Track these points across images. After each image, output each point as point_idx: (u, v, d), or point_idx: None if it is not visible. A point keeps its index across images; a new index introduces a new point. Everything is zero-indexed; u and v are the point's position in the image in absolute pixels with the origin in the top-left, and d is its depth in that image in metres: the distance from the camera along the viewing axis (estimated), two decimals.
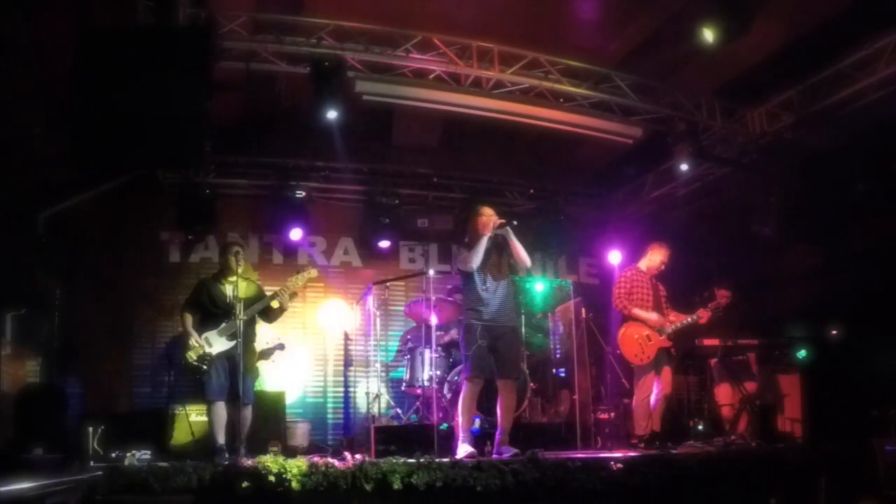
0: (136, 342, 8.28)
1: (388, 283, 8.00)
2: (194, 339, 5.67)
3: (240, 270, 5.77)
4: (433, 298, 7.02)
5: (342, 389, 8.70)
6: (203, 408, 6.47)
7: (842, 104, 6.92)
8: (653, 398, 6.35)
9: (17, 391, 6.66)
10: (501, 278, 5.41)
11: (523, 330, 7.78)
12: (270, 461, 4.20)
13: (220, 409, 5.56)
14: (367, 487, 4.20)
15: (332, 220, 9.18)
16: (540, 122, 7.39)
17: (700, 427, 7.12)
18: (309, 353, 8.86)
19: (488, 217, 5.46)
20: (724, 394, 7.02)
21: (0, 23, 5.21)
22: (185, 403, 6.78)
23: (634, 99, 7.44)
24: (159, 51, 5.18)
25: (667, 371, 6.39)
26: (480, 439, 5.69)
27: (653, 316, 6.39)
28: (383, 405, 7.75)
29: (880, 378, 6.53)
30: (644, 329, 6.36)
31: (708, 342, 6.59)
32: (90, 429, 6.20)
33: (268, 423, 6.68)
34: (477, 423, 6.33)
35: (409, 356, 7.42)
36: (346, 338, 8.78)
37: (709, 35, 5.80)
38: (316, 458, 4.38)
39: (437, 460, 4.53)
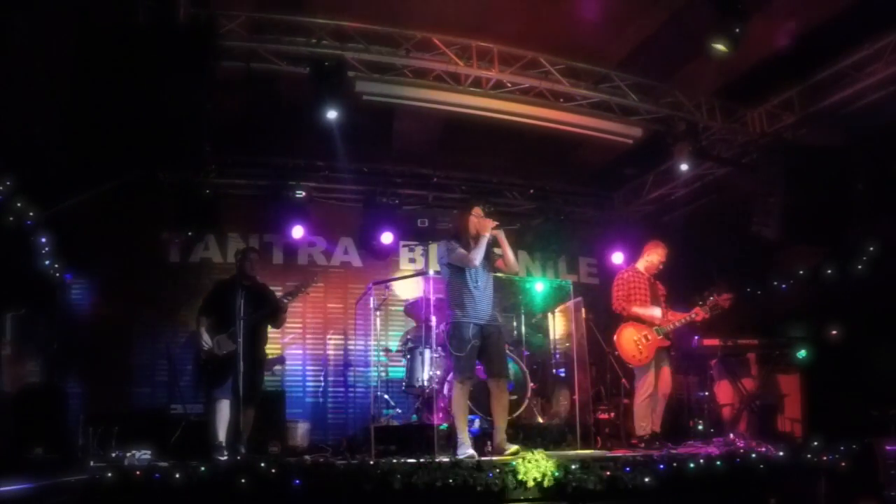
0: (136, 342, 8.28)
1: (388, 283, 7.99)
2: (205, 342, 5.88)
3: (253, 275, 5.95)
4: (433, 298, 7.02)
5: (342, 389, 8.70)
6: (204, 406, 6.49)
7: (842, 104, 6.92)
8: (652, 398, 6.34)
9: (17, 391, 6.66)
10: (488, 278, 5.44)
11: (523, 330, 7.79)
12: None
13: (224, 406, 5.65)
14: (367, 487, 4.20)
15: (332, 220, 9.18)
16: (540, 122, 7.40)
17: (700, 427, 7.12)
18: (309, 353, 8.86)
19: (479, 217, 5.44)
20: (724, 394, 7.02)
21: (1, 22, 5.20)
22: (185, 403, 6.79)
23: (634, 99, 7.44)
24: (159, 51, 5.18)
25: (666, 371, 6.39)
26: (480, 439, 5.69)
27: (655, 311, 6.35)
28: (383, 405, 7.75)
29: (880, 378, 6.53)
30: (642, 329, 6.35)
31: (708, 342, 6.60)
32: (90, 429, 6.21)
33: (268, 423, 6.68)
34: (476, 423, 6.33)
35: (409, 356, 7.42)
36: (346, 338, 8.79)
37: (721, 47, 5.81)
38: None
39: (437, 460, 4.54)
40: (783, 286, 8.56)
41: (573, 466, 4.51)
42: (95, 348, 8.02)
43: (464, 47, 6.92)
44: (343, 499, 4.22)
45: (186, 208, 8.07)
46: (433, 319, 7.10)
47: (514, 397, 6.60)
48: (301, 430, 7.57)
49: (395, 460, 4.57)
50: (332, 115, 6.51)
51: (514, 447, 5.03)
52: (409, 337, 7.86)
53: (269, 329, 6.38)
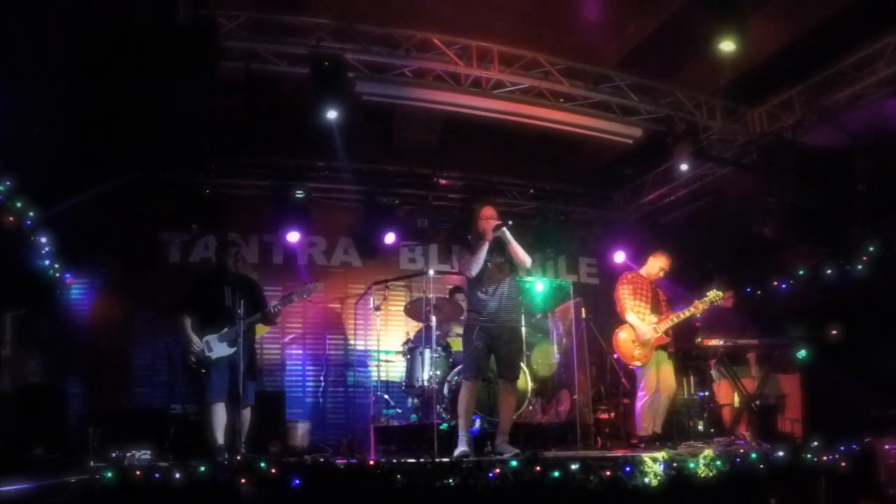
0: (136, 342, 8.28)
1: (388, 283, 7.99)
2: (194, 344, 5.59)
3: (237, 270, 5.75)
4: (433, 298, 7.03)
5: (342, 389, 8.70)
6: (202, 408, 6.47)
7: (842, 104, 6.93)
8: (654, 398, 6.34)
9: (17, 391, 6.66)
10: (502, 279, 5.39)
11: (523, 330, 7.78)
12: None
13: (220, 409, 5.52)
14: (367, 487, 4.20)
15: (332, 220, 9.19)
16: (540, 122, 7.40)
17: (700, 427, 7.12)
18: (309, 353, 8.86)
19: (489, 219, 5.43)
20: (724, 394, 7.02)
21: (1, 23, 5.20)
22: (185, 403, 6.78)
23: (634, 99, 7.45)
24: (160, 51, 5.18)
25: (667, 370, 6.38)
26: (480, 439, 5.69)
27: (644, 328, 6.34)
28: (383, 405, 7.75)
29: (880, 378, 6.53)
30: (635, 331, 6.36)
31: (708, 342, 6.58)
32: (90, 429, 6.20)
33: (268, 423, 6.67)
34: (477, 423, 6.33)
35: (409, 356, 7.42)
36: (346, 338, 8.79)
37: (727, 45, 5.81)
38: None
39: (437, 460, 4.54)
40: (783, 286, 8.56)
41: (573, 466, 4.51)
42: (95, 348, 8.03)
43: (464, 47, 6.92)
44: (343, 499, 4.21)
45: (186, 208, 8.08)
46: (433, 319, 7.11)
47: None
48: (301, 430, 7.57)
49: (395, 460, 4.56)
50: (332, 115, 6.51)
51: (514, 450, 5.02)
52: (409, 337, 7.87)
53: (269, 329, 6.34)
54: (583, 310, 7.56)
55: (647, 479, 4.40)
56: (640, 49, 7.07)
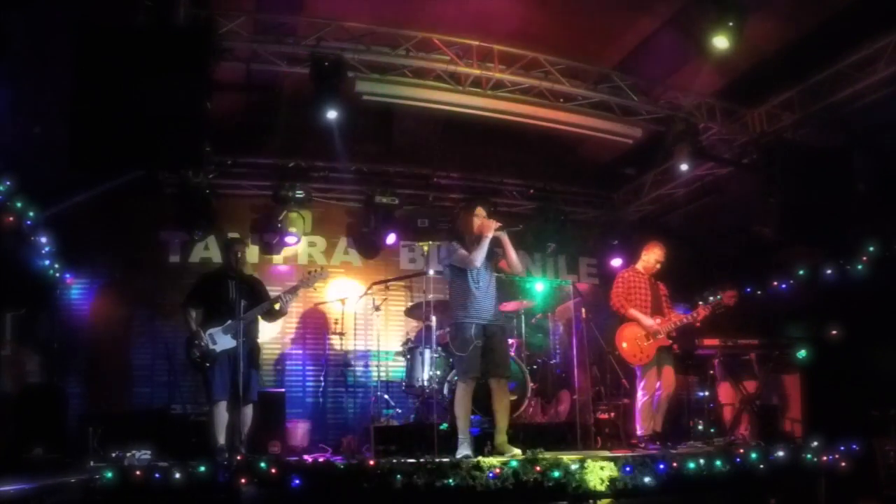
0: (136, 342, 8.28)
1: (388, 283, 7.99)
2: (199, 336, 5.66)
3: (241, 268, 5.80)
4: (433, 298, 7.02)
5: (342, 389, 8.70)
6: (203, 407, 6.47)
7: (842, 104, 6.92)
8: (655, 398, 6.34)
9: (18, 391, 6.66)
10: (490, 278, 5.42)
11: (523, 330, 7.79)
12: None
13: (223, 408, 5.56)
14: (367, 487, 4.20)
15: (332, 220, 9.18)
16: (540, 122, 7.40)
17: (700, 427, 7.12)
18: (309, 353, 8.86)
19: (482, 217, 5.42)
20: (726, 394, 7.02)
21: (1, 22, 5.20)
22: (185, 403, 6.78)
23: (634, 99, 7.44)
24: (159, 51, 5.18)
25: (668, 370, 6.38)
26: (480, 440, 5.69)
27: (648, 320, 6.35)
28: (383, 405, 7.75)
29: (880, 378, 6.53)
30: (642, 329, 6.35)
31: (708, 342, 6.59)
32: (90, 429, 6.20)
33: (268, 423, 6.67)
34: (476, 423, 6.32)
35: (408, 356, 7.42)
36: (346, 338, 8.78)
37: (721, 41, 5.80)
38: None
39: (437, 460, 4.54)
40: (783, 286, 8.56)
41: (573, 466, 4.51)
42: (95, 348, 8.03)
43: (464, 47, 6.92)
44: (343, 499, 4.22)
45: (186, 208, 8.07)
46: (433, 319, 7.10)
47: (514, 397, 6.60)
48: (301, 430, 7.57)
49: (395, 460, 4.56)
50: (332, 115, 6.51)
51: (515, 450, 5.02)
52: (409, 337, 7.87)
53: (269, 329, 6.35)
54: (583, 310, 7.54)
55: (528, 483, 4.36)
56: (641, 49, 7.07)
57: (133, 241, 8.35)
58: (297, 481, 4.17)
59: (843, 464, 5.26)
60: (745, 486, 4.94)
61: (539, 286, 8.35)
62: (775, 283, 8.62)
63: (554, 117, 7.38)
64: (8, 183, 6.03)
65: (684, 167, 7.82)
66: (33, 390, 6.97)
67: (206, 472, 4.16)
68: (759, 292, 8.30)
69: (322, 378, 8.72)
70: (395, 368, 8.20)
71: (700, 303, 6.36)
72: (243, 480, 4.12)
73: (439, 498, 4.28)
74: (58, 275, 7.60)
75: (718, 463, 4.90)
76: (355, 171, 8.83)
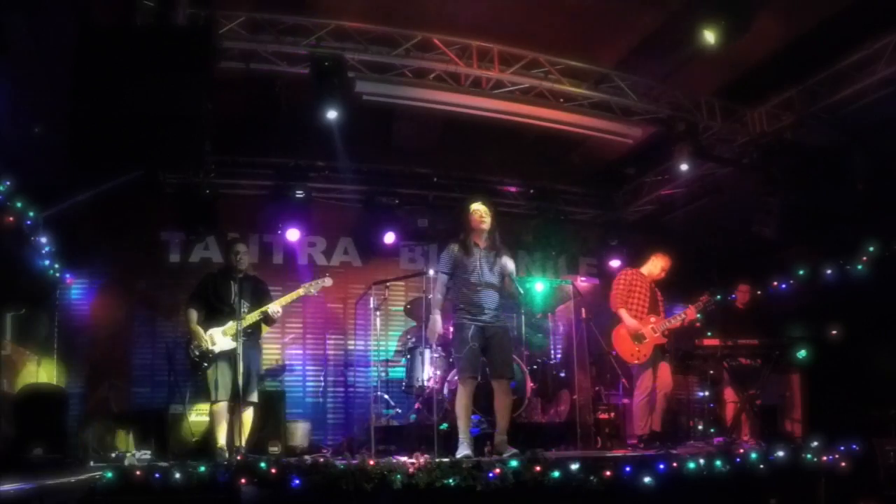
0: (136, 342, 8.28)
1: (388, 283, 7.99)
2: (199, 336, 5.66)
3: (243, 269, 5.79)
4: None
5: (342, 389, 8.70)
6: (203, 407, 6.47)
7: (842, 104, 6.92)
8: (651, 397, 6.34)
9: (17, 391, 6.66)
10: (493, 279, 5.38)
11: (523, 330, 7.79)
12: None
13: (223, 408, 5.55)
14: (367, 487, 4.20)
15: (332, 220, 9.18)
16: (540, 122, 7.40)
17: (700, 427, 7.12)
18: (309, 353, 8.86)
19: (479, 214, 5.41)
20: (731, 394, 7.02)
21: (1, 22, 5.20)
22: (185, 403, 6.78)
23: (634, 99, 7.44)
24: (159, 51, 5.17)
25: (664, 369, 6.39)
26: (480, 440, 5.69)
27: (631, 321, 6.40)
28: (383, 405, 7.75)
29: (880, 378, 6.53)
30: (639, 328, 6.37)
31: (708, 342, 6.59)
32: (90, 429, 6.20)
33: (268, 423, 6.68)
34: (476, 423, 6.33)
35: (408, 356, 7.42)
36: (346, 338, 8.78)
37: (710, 36, 5.79)
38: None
39: (437, 460, 4.54)
40: (783, 286, 8.56)
41: (573, 466, 4.51)
42: (95, 348, 8.03)
43: (464, 47, 6.92)
44: (343, 499, 4.22)
45: (186, 208, 8.07)
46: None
47: (515, 397, 6.59)
48: (301, 430, 7.56)
49: (394, 460, 4.56)
50: (331, 115, 6.51)
51: (514, 450, 5.01)
52: (409, 337, 7.87)
53: (269, 329, 6.34)
54: (583, 310, 7.55)
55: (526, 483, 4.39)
56: (640, 49, 7.07)
57: (133, 241, 8.35)
58: (297, 481, 4.17)
59: (843, 464, 5.26)
60: (745, 486, 4.94)
61: (539, 286, 8.35)
62: (775, 283, 8.63)
63: (554, 117, 7.38)
64: (8, 183, 6.03)
65: (684, 167, 7.82)
66: (33, 390, 6.97)
67: (206, 472, 4.16)
68: (759, 292, 8.30)
69: (322, 378, 8.73)
70: (395, 368, 8.20)
71: (691, 304, 6.40)
72: (243, 480, 4.11)
73: (439, 498, 4.28)
74: (58, 275, 7.60)
75: (718, 463, 4.90)
76: (355, 171, 8.82)
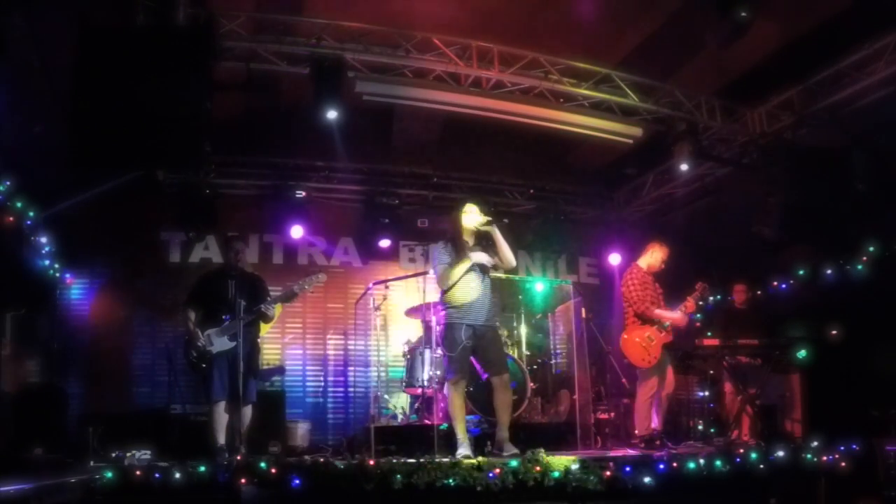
0: (136, 342, 8.28)
1: (388, 283, 7.99)
2: (196, 338, 5.63)
3: (241, 267, 5.77)
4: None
5: (342, 389, 8.70)
6: (203, 408, 6.47)
7: (842, 104, 6.92)
8: (656, 398, 6.33)
9: (17, 391, 6.66)
10: (483, 280, 5.30)
11: (523, 330, 7.79)
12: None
13: (222, 408, 5.54)
14: (367, 487, 4.20)
15: (332, 220, 9.18)
16: (540, 122, 7.39)
17: (700, 427, 7.12)
18: (309, 353, 8.86)
19: (472, 214, 5.33)
20: (731, 394, 7.02)
21: (1, 22, 5.20)
22: (185, 403, 6.77)
23: (634, 99, 7.44)
24: (159, 51, 5.18)
25: (669, 370, 6.38)
26: (480, 440, 5.69)
27: (675, 314, 6.33)
28: (383, 405, 7.75)
29: (880, 378, 6.53)
30: (645, 330, 6.34)
31: (708, 342, 6.59)
32: (90, 429, 6.20)
33: (268, 423, 6.67)
34: (475, 423, 6.33)
35: (408, 356, 7.42)
36: (346, 338, 8.78)
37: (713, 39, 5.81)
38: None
39: (437, 460, 4.53)
40: (783, 286, 8.56)
41: (573, 466, 4.51)
42: (95, 348, 8.03)
43: (464, 47, 6.92)
44: (343, 499, 4.22)
45: (186, 208, 8.08)
46: (433, 320, 7.09)
47: (515, 397, 6.58)
48: (301, 430, 7.57)
49: (395, 460, 4.56)
50: (331, 115, 6.50)
51: (514, 449, 5.01)
52: (409, 336, 7.86)
53: (269, 329, 6.34)
54: (583, 310, 7.55)
55: (527, 483, 4.37)
56: (640, 49, 7.07)
57: (133, 241, 8.35)
58: (297, 481, 4.17)
59: (843, 464, 5.26)
60: (745, 486, 4.94)
61: (539, 286, 8.35)
62: (775, 283, 8.63)
63: (554, 117, 7.38)
64: (8, 183, 6.04)
65: (684, 167, 7.81)
66: (33, 390, 6.97)
67: (206, 472, 4.16)
68: (759, 292, 8.31)
69: (322, 378, 8.73)
70: (395, 368, 8.20)
71: (688, 298, 6.39)
72: (243, 480, 4.11)
73: (439, 498, 4.28)
74: (58, 275, 7.61)
75: (718, 463, 4.89)
76: (355, 171, 8.83)
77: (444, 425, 6.25)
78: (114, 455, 5.25)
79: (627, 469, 4.62)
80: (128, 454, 5.01)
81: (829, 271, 7.95)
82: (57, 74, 5.58)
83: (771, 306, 8.18)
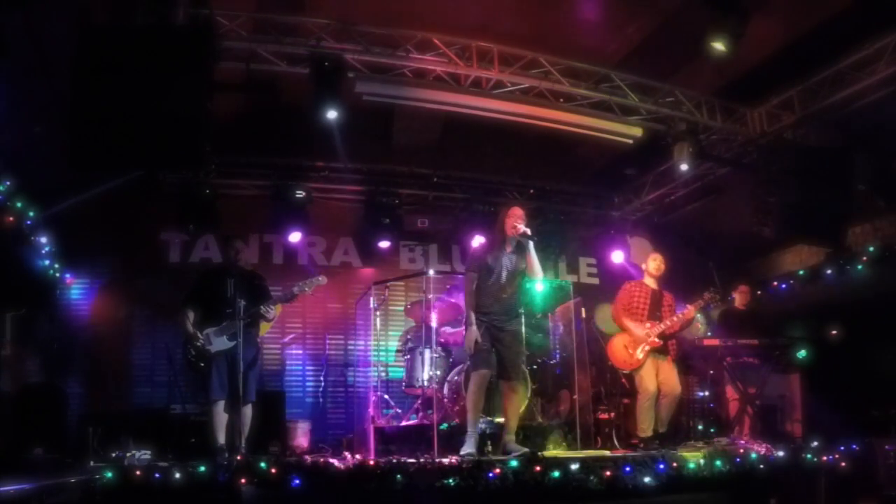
0: (136, 342, 8.28)
1: (388, 283, 7.99)
2: (195, 337, 5.61)
3: (240, 265, 5.76)
4: (433, 298, 7.01)
5: (342, 389, 8.70)
6: (202, 407, 6.46)
7: (842, 104, 6.92)
8: (654, 399, 6.33)
9: (17, 391, 6.67)
10: (512, 282, 5.44)
11: (523, 330, 7.78)
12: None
13: (221, 408, 5.53)
14: (367, 487, 4.20)
15: (332, 220, 9.18)
16: (540, 122, 7.39)
17: (700, 427, 7.11)
18: (309, 353, 8.86)
19: (516, 219, 5.48)
20: (731, 394, 7.02)
21: (1, 22, 5.20)
22: (185, 403, 6.77)
23: (634, 99, 7.44)
24: (159, 51, 5.17)
25: (667, 372, 6.36)
26: (480, 440, 5.69)
27: (638, 330, 6.38)
28: (383, 405, 7.74)
29: (880, 378, 6.53)
30: (630, 335, 6.37)
31: (708, 342, 6.59)
32: (90, 429, 6.20)
33: (268, 423, 6.67)
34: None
35: (408, 356, 7.42)
36: (346, 338, 8.78)
37: (717, 44, 5.82)
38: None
39: (437, 460, 4.53)
40: (783, 286, 8.56)
41: (573, 466, 4.51)
42: (95, 348, 8.03)
43: (464, 47, 6.92)
44: (343, 499, 4.22)
45: (186, 208, 8.07)
46: (433, 319, 7.10)
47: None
48: (301, 430, 7.57)
49: (395, 460, 4.56)
50: (331, 115, 6.50)
51: (523, 449, 5.02)
52: (408, 337, 7.86)
53: (270, 329, 6.33)
54: (583, 310, 7.54)
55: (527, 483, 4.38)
56: (640, 49, 7.07)
57: (133, 241, 8.35)
58: (297, 481, 4.17)
59: (843, 464, 5.26)
60: (745, 486, 4.94)
61: (539, 286, 8.34)
62: (775, 283, 8.63)
63: (554, 117, 7.38)
64: (8, 183, 6.04)
65: (684, 167, 7.81)
66: (33, 390, 6.97)
67: (206, 472, 4.16)
68: (759, 292, 8.31)
69: (322, 378, 8.73)
70: (395, 368, 8.20)
71: (689, 304, 6.39)
72: (243, 480, 4.11)
73: (439, 498, 4.28)
74: (58, 275, 7.61)
75: (718, 463, 4.90)
76: (355, 171, 8.82)
77: (445, 425, 6.26)
78: (114, 455, 5.26)
79: (627, 469, 4.62)
80: (128, 454, 5.01)
81: (829, 271, 7.96)
82: (57, 74, 5.57)
83: (771, 306, 8.18)
